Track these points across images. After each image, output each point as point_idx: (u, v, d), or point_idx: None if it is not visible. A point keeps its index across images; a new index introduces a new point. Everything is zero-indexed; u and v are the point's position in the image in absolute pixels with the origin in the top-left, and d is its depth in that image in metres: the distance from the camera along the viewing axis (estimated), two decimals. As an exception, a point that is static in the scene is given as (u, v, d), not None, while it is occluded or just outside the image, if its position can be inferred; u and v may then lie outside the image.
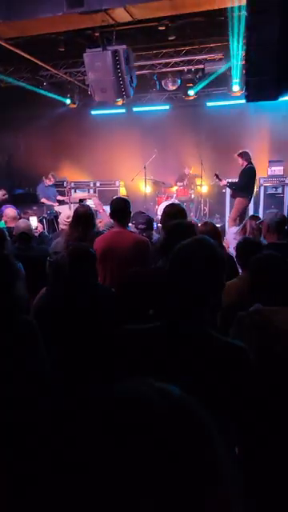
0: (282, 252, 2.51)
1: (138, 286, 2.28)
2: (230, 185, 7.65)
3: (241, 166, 7.46)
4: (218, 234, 3.49)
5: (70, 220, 3.99)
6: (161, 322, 1.25)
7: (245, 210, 7.47)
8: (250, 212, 8.97)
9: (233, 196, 7.71)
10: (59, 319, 2.15)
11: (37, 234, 5.12)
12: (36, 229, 4.96)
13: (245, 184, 7.30)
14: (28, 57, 7.27)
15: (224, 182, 7.72)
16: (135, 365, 1.18)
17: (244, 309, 2.17)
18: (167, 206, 2.99)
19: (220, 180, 7.74)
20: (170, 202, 3.25)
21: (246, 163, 7.37)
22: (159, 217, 7.97)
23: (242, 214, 7.33)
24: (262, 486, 1.59)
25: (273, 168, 9.36)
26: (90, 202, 5.62)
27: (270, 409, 1.60)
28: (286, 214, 7.53)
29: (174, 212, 2.86)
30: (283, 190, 9.22)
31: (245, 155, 7.39)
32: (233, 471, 0.50)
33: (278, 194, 9.26)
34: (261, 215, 6.12)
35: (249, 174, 7.29)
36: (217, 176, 7.81)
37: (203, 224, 3.58)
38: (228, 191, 9.31)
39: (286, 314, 2.06)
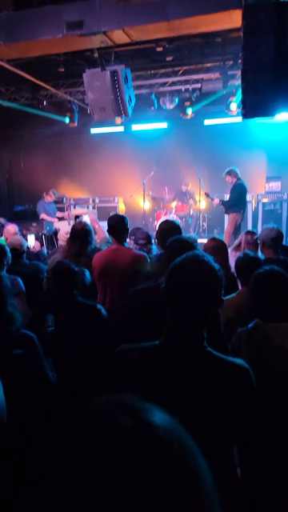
0: (279, 267, 2.52)
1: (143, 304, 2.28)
2: (223, 203, 7.80)
3: (231, 183, 7.63)
4: (226, 249, 3.53)
5: (68, 236, 4.02)
6: (160, 341, 1.25)
7: (239, 224, 7.58)
8: (249, 226, 9.04)
9: (226, 212, 7.86)
10: (53, 334, 2.15)
11: (35, 252, 5.12)
12: (33, 248, 4.97)
13: (237, 200, 7.48)
14: (28, 77, 7.41)
15: (216, 201, 7.91)
16: (134, 383, 1.18)
17: (242, 324, 2.16)
18: (162, 223, 3.05)
19: (212, 199, 7.95)
20: (165, 219, 3.32)
21: (235, 179, 7.56)
22: (158, 233, 8.03)
23: (236, 229, 7.46)
24: (262, 506, 1.56)
25: (270, 184, 9.45)
26: (85, 218, 5.68)
27: (268, 427, 1.58)
28: (284, 229, 7.62)
29: (169, 228, 2.89)
30: (281, 206, 9.30)
31: (232, 172, 7.59)
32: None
33: (277, 209, 9.33)
34: (259, 231, 6.16)
35: (239, 190, 7.48)
36: (207, 195, 8.00)
37: (211, 239, 3.61)
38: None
39: (285, 330, 2.05)
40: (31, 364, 1.70)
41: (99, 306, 2.56)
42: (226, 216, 9.18)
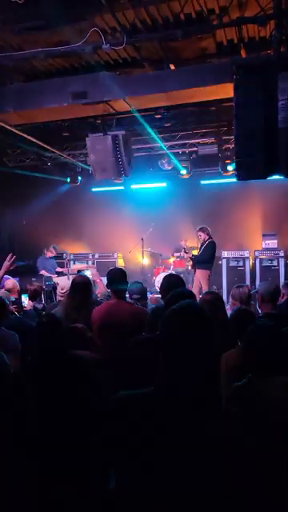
0: (276, 321, 2.56)
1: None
2: (195, 258, 8.03)
3: (202, 240, 7.95)
4: (222, 301, 3.59)
5: (64, 291, 4.08)
6: (155, 387, 1.28)
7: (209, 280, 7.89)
8: (247, 283, 9.11)
9: (194, 267, 8.05)
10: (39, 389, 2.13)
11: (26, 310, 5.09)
12: (25, 307, 4.98)
13: (209, 257, 7.75)
14: (35, 141, 7.86)
15: (189, 255, 8.15)
16: (135, 428, 1.20)
17: (241, 379, 2.16)
18: (166, 276, 3.11)
19: (186, 253, 8.20)
20: (169, 273, 3.42)
21: (207, 237, 7.86)
22: (157, 288, 8.11)
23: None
24: None
25: (267, 241, 9.66)
26: (88, 273, 5.81)
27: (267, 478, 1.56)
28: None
29: (173, 281, 2.96)
30: (278, 263, 9.44)
31: (206, 230, 7.91)
32: None
33: (274, 266, 9.46)
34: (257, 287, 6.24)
35: (212, 248, 7.78)
36: (185, 250, 8.31)
37: (207, 293, 3.69)
38: (224, 263, 9.57)
39: (278, 384, 2.05)
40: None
41: (87, 358, 2.54)
42: (225, 272, 9.46)
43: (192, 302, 1.31)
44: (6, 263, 4.29)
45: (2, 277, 4.49)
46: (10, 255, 4.21)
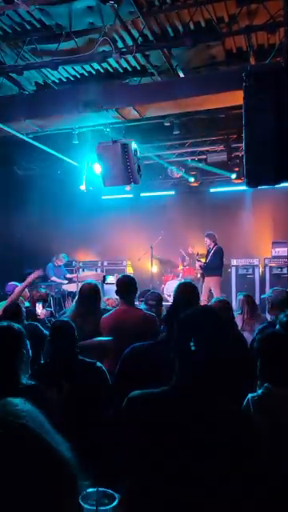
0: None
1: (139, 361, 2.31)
2: (206, 265, 8.03)
3: (207, 246, 8.02)
4: (231, 309, 3.59)
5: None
6: (169, 387, 1.30)
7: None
8: (257, 290, 9.05)
9: (204, 275, 8.02)
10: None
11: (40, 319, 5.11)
12: (39, 315, 5.00)
13: (219, 263, 7.85)
14: (45, 148, 7.94)
15: (200, 263, 8.18)
16: (147, 427, 1.21)
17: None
18: (181, 284, 3.09)
19: (199, 261, 8.21)
20: (184, 281, 3.41)
21: (213, 244, 7.93)
22: (165, 295, 8.09)
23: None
24: None
25: (277, 249, 9.59)
26: (111, 278, 5.94)
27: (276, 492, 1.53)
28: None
29: (188, 289, 2.94)
30: (288, 270, 9.36)
31: (213, 236, 7.99)
32: None
33: (284, 274, 9.38)
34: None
35: (220, 254, 7.88)
36: (197, 258, 8.46)
37: (216, 301, 3.71)
38: (234, 271, 9.52)
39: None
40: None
41: (99, 364, 2.54)
42: (234, 279, 9.40)
43: (205, 308, 1.32)
44: (30, 278, 4.44)
45: (23, 289, 4.58)
46: (38, 271, 4.40)
